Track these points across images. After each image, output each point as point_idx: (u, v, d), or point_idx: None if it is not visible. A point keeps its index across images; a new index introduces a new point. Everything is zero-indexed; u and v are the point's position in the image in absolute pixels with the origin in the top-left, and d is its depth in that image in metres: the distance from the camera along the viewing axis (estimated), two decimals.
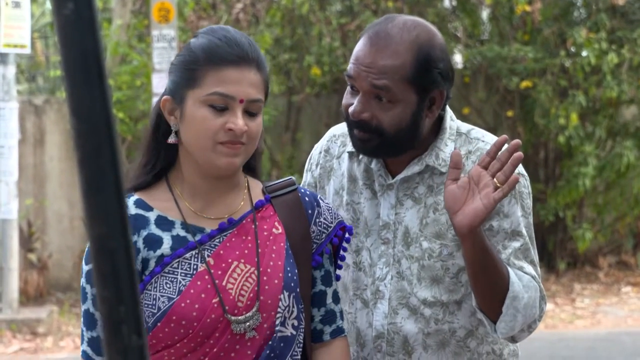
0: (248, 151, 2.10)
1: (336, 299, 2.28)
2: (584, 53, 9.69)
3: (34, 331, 8.29)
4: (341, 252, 2.31)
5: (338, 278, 2.32)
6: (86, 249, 2.12)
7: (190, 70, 2.08)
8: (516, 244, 2.35)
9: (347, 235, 2.30)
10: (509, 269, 2.30)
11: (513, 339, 2.39)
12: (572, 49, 9.88)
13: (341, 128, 2.57)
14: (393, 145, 2.32)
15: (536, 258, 2.41)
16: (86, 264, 2.12)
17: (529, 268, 2.36)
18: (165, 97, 2.12)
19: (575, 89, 9.78)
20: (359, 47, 2.33)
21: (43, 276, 9.23)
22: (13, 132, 8.54)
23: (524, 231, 2.37)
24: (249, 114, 2.08)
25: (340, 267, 2.32)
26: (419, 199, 2.40)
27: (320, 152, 2.59)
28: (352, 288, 2.47)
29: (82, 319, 2.13)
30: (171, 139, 2.12)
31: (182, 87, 2.09)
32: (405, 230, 2.40)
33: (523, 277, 2.32)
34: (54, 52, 12.60)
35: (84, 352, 2.14)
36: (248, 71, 2.07)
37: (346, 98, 2.36)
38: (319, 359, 2.26)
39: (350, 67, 2.33)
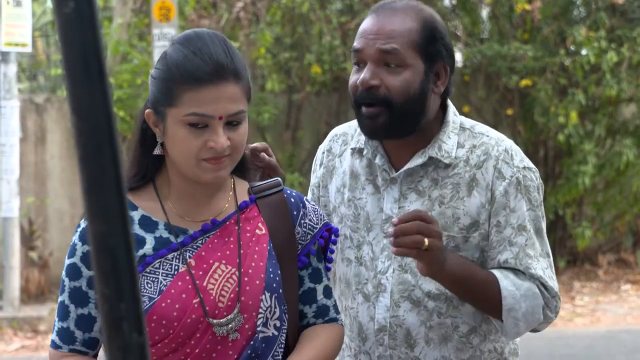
0: (234, 160, 2.10)
1: (328, 294, 2.28)
2: (584, 52, 9.71)
3: (35, 329, 8.33)
4: (329, 254, 2.30)
5: (328, 278, 2.32)
6: (71, 243, 2.13)
7: (167, 88, 2.05)
8: (522, 240, 2.37)
9: (333, 237, 2.30)
10: (503, 279, 2.32)
11: (535, 330, 2.42)
12: (572, 48, 9.91)
13: (342, 128, 2.60)
14: (402, 118, 2.34)
15: (546, 248, 2.43)
16: (68, 257, 2.13)
17: (535, 267, 2.37)
18: (147, 110, 2.11)
19: (574, 88, 9.80)
20: (366, 22, 2.39)
21: (44, 274, 9.25)
22: (14, 130, 8.57)
23: (528, 225, 2.38)
24: (231, 125, 2.06)
25: (329, 269, 2.33)
26: (423, 192, 2.41)
27: (324, 152, 2.61)
28: (354, 283, 2.48)
29: (57, 310, 2.15)
30: (157, 151, 2.12)
31: (161, 104, 2.07)
32: None
33: (522, 286, 2.34)
34: (55, 50, 12.64)
35: (52, 341, 2.15)
36: (225, 86, 2.04)
37: (352, 78, 2.39)
38: (310, 330, 2.26)
39: (356, 42, 2.37)
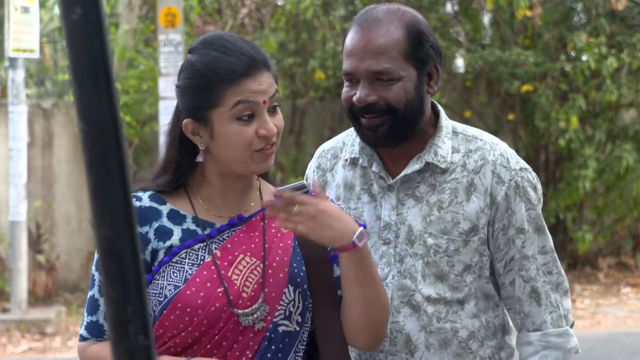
0: (277, 147, 2.18)
1: None
2: (584, 57, 9.73)
3: (43, 331, 8.36)
4: None
5: None
6: None
7: (205, 92, 2.11)
8: (519, 242, 2.41)
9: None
10: None
11: None
12: (572, 54, 9.94)
13: (329, 143, 2.62)
14: (405, 123, 2.35)
15: (549, 244, 2.47)
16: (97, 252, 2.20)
17: (529, 269, 2.43)
18: (185, 120, 2.14)
19: (575, 93, 9.84)
20: (350, 38, 2.37)
21: (51, 277, 9.30)
22: (22, 135, 8.63)
23: (526, 227, 2.41)
24: (272, 111, 2.14)
25: None
26: (421, 197, 2.42)
27: (313, 170, 2.62)
28: None
29: (86, 305, 2.18)
30: (199, 158, 2.17)
31: (202, 110, 2.12)
32: (409, 229, 2.41)
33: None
34: (62, 56, 12.75)
35: (80, 335, 2.18)
36: (260, 75, 2.12)
37: (345, 92, 2.39)
38: None
39: (345, 63, 2.37)
